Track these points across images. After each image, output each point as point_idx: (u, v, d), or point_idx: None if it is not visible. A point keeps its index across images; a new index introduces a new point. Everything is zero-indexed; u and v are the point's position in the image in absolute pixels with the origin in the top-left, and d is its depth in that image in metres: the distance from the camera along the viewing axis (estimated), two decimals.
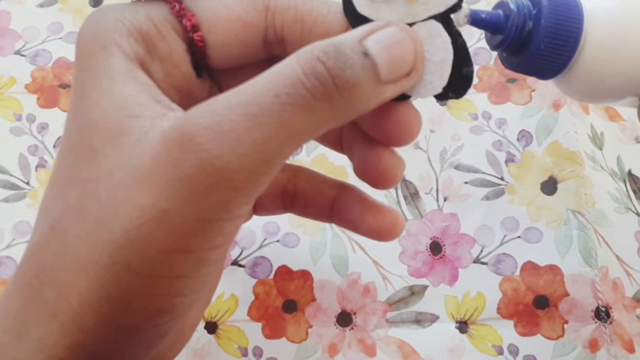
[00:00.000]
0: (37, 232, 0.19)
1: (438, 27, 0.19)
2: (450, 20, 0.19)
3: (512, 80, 0.35)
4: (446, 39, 0.19)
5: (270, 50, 0.21)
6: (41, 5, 0.38)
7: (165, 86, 0.20)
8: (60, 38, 0.37)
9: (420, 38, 0.19)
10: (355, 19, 0.19)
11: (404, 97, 0.20)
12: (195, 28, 0.20)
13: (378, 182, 0.22)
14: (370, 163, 0.21)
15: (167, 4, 0.20)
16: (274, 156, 0.17)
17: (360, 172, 0.22)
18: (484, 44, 0.36)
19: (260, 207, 0.26)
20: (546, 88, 0.34)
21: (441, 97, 0.20)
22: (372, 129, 0.21)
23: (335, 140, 0.24)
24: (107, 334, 0.18)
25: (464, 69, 0.19)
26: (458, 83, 0.19)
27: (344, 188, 0.24)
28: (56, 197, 0.19)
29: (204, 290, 0.20)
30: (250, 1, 0.20)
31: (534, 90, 0.34)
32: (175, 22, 0.20)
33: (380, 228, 0.23)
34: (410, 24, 0.19)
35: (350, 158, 0.23)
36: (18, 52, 0.36)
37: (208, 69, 0.21)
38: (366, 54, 0.17)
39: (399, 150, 0.22)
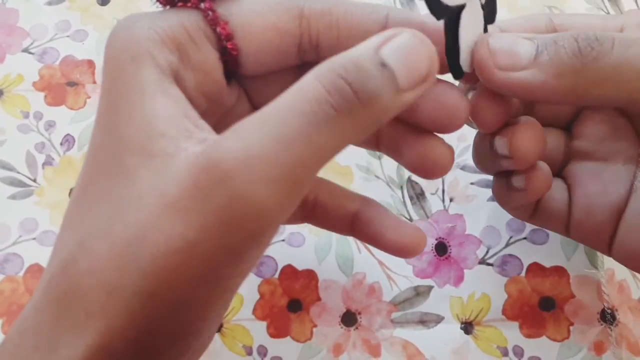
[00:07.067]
0: (66, 247, 0.18)
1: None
2: None
3: None
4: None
5: (302, 56, 0.21)
6: (49, 3, 0.38)
7: (196, 94, 0.20)
8: (68, 36, 0.37)
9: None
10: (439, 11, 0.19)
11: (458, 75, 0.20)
12: (229, 37, 0.19)
13: (433, 172, 0.22)
14: (424, 155, 0.21)
15: (200, 11, 0.19)
16: (302, 177, 0.17)
17: (415, 166, 0.22)
18: None
19: None
20: None
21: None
22: (423, 118, 0.21)
23: (371, 141, 0.24)
24: (133, 357, 0.17)
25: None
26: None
27: (366, 203, 0.24)
28: (86, 213, 0.18)
29: (226, 309, 0.20)
30: (284, 8, 0.20)
31: None
32: (209, 29, 0.19)
33: (403, 245, 0.23)
34: None
35: (396, 157, 0.23)
36: (26, 50, 0.36)
37: (237, 76, 0.21)
38: (384, 65, 0.17)
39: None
